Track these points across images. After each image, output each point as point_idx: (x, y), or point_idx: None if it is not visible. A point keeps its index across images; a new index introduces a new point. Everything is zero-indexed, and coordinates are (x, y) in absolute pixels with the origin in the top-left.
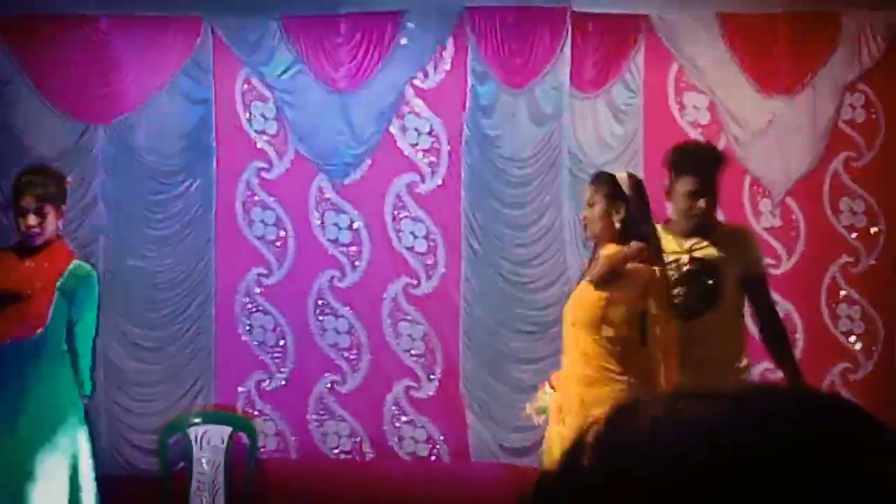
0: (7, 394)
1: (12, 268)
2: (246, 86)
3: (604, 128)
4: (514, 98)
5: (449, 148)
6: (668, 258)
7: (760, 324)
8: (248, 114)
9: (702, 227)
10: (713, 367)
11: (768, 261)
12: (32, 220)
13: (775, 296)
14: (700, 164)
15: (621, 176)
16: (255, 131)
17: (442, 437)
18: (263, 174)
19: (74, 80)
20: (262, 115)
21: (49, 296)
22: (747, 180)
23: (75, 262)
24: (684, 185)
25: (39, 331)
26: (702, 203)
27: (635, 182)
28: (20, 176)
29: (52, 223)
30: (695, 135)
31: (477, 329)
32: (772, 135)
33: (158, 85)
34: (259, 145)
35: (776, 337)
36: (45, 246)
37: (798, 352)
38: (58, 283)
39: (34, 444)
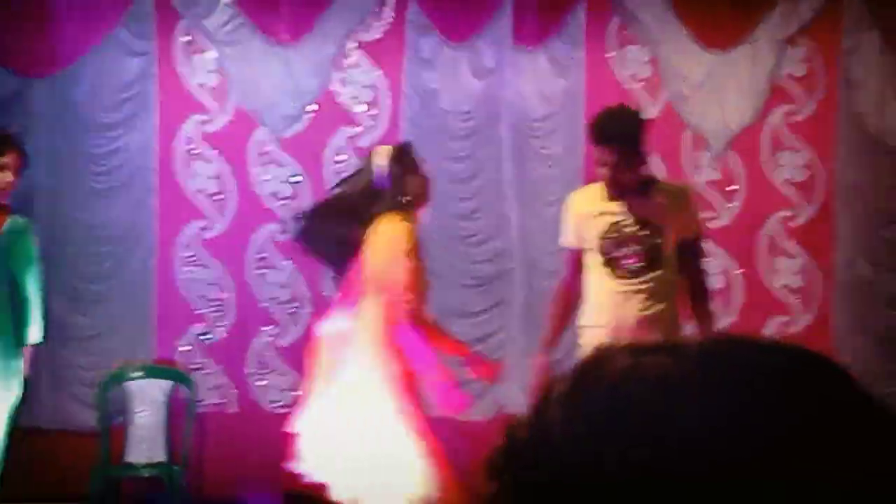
0: None
1: None
2: (187, 38)
3: (545, 82)
4: (456, 52)
5: (390, 101)
6: (610, 220)
7: (690, 283)
8: (188, 67)
9: (639, 187)
10: (661, 327)
11: (707, 214)
12: (9, 177)
13: (714, 247)
14: (612, 133)
15: None
16: (196, 84)
17: None
18: (204, 127)
19: (12, 34)
20: (204, 68)
21: None
22: (687, 134)
23: (11, 217)
24: (598, 154)
25: None
26: (613, 173)
27: None
28: None
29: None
30: (636, 88)
31: None
32: (711, 88)
33: (98, 38)
34: (200, 98)
35: (702, 297)
36: None
37: (737, 305)
38: None
39: None
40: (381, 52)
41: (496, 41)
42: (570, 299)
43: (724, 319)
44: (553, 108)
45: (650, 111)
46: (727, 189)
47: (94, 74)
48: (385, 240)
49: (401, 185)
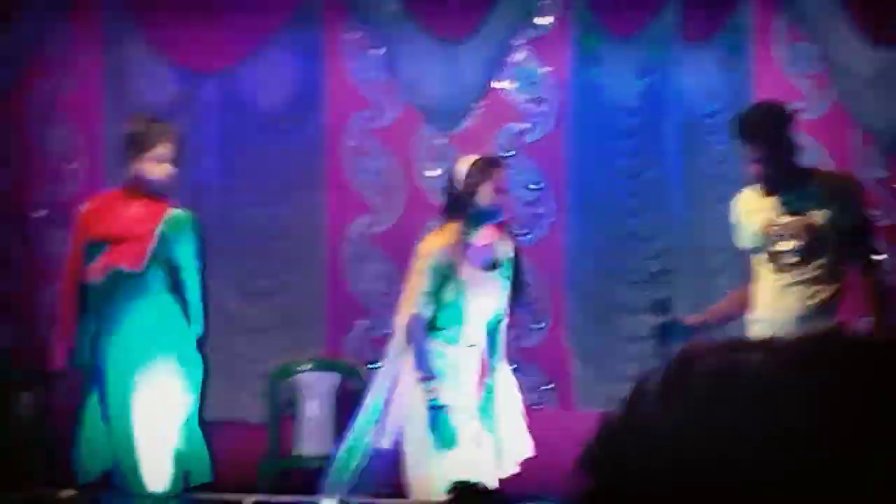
0: (113, 320)
1: (121, 209)
2: (355, 34)
3: (712, 78)
4: (622, 46)
5: (556, 97)
6: (767, 216)
7: (860, 274)
8: (357, 63)
9: (794, 180)
10: (824, 319)
11: (875, 212)
12: (170, 169)
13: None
14: (754, 129)
15: None
16: (364, 80)
17: (550, 386)
18: (372, 123)
19: (182, 30)
20: (372, 65)
21: (149, 240)
22: (857, 131)
23: (174, 209)
24: (745, 152)
25: (139, 271)
26: (763, 169)
27: None
28: (151, 122)
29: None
30: (804, 84)
31: (584, 279)
32: (881, 85)
33: (267, 34)
34: (368, 95)
35: (873, 287)
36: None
37: None
38: (158, 229)
39: (144, 377)
40: (548, 48)
41: (663, 36)
42: (745, 297)
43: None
44: (720, 104)
45: (819, 108)
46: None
47: (263, 70)
48: (419, 252)
49: (472, 194)
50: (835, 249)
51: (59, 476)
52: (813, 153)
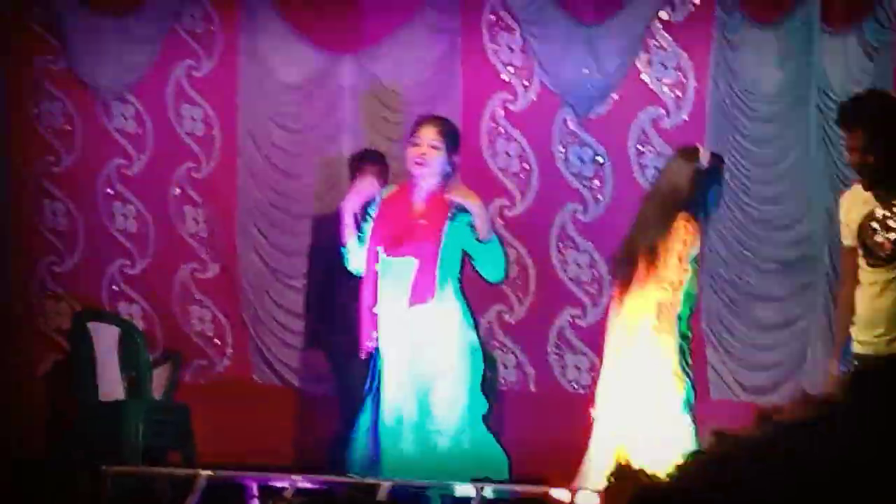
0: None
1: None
2: (492, 17)
3: (854, 65)
4: (763, 33)
5: (695, 83)
6: (866, 209)
7: None
8: (494, 45)
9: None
10: None
11: None
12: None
13: None
14: (857, 116)
15: None
16: (501, 62)
17: None
18: (508, 105)
19: (320, 11)
20: (508, 47)
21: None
22: None
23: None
24: (849, 140)
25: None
26: (864, 158)
27: None
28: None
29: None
30: None
31: (718, 266)
32: None
33: (405, 15)
34: (504, 77)
35: None
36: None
37: None
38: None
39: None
40: (687, 33)
41: (804, 23)
42: (849, 301)
43: None
44: (861, 91)
45: None
46: None
47: (401, 51)
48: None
49: (704, 190)
50: None
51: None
52: None
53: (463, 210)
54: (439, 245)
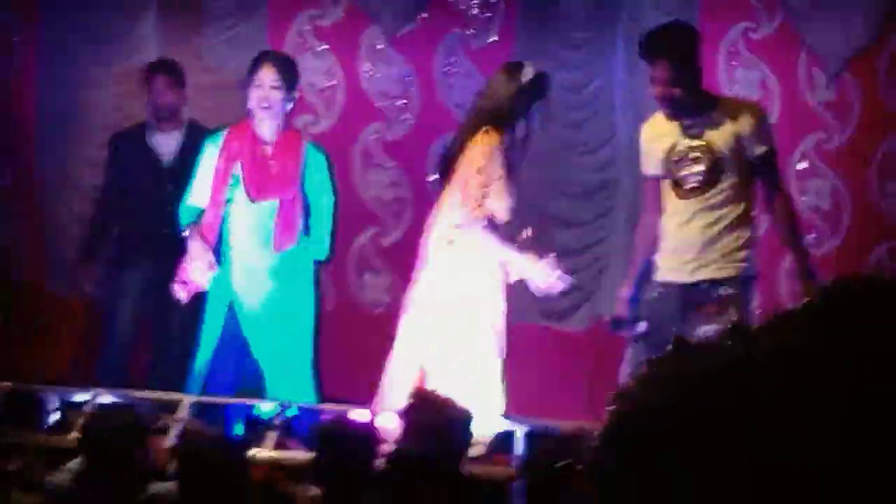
0: None
1: None
2: None
3: None
4: None
5: (503, 4)
6: (670, 140)
7: (767, 202)
8: None
9: (698, 105)
10: (727, 244)
11: (819, 134)
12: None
13: (823, 168)
14: (661, 48)
15: None
16: None
17: None
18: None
19: None
20: None
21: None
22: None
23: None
24: (653, 71)
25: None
26: (667, 90)
27: None
28: None
29: None
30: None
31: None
32: (830, 6)
33: None
34: None
35: (784, 215)
36: None
37: (843, 228)
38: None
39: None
40: None
41: None
42: (651, 230)
43: (831, 242)
44: (665, 23)
45: (766, 27)
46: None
47: None
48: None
49: (525, 106)
50: (738, 174)
51: None
52: (758, 73)
53: (316, 150)
54: (300, 187)
